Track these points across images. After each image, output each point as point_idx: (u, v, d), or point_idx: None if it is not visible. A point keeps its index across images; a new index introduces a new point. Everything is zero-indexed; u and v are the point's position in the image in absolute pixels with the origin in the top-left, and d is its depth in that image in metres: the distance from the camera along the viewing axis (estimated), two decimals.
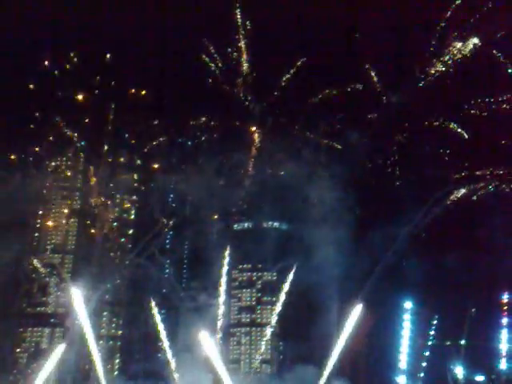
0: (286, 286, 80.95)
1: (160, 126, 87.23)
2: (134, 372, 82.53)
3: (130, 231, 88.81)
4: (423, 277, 76.65)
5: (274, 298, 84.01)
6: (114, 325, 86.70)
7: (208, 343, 73.21)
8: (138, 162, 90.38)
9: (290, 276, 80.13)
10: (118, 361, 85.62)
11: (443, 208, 79.33)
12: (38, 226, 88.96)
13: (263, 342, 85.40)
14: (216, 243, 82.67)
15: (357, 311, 71.84)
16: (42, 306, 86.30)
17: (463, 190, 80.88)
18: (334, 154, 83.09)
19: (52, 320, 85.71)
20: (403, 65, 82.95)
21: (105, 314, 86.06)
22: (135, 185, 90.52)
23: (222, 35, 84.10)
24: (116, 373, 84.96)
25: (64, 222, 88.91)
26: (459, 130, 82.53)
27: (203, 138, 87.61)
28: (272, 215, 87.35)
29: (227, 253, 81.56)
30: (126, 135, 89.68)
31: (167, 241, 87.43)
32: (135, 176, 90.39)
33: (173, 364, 78.81)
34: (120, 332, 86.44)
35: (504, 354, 79.14)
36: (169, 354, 79.12)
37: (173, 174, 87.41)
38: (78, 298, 75.49)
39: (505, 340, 79.32)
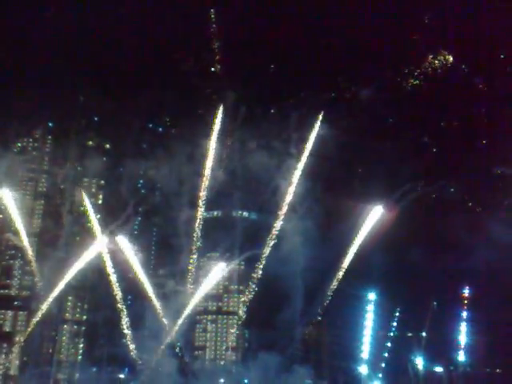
0: (253, 276, 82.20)
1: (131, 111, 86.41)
2: (98, 357, 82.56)
3: (98, 216, 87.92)
4: (387, 269, 78.52)
5: (241, 287, 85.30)
6: (78, 309, 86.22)
7: (126, 247, 76.67)
8: (107, 146, 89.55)
9: (258, 265, 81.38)
10: (81, 345, 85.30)
11: (406, 204, 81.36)
12: (2, 207, 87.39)
13: (229, 330, 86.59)
14: (184, 231, 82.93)
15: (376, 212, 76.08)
16: (5, 288, 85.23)
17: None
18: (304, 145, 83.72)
19: (15, 303, 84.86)
20: (376, 74, 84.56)
21: (69, 298, 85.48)
22: (104, 169, 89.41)
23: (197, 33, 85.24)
24: (80, 357, 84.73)
25: (30, 204, 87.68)
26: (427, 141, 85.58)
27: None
28: (241, 204, 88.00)
29: (195, 240, 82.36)
30: (96, 118, 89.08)
31: (135, 227, 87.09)
32: (104, 160, 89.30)
33: (137, 349, 79.42)
34: (85, 317, 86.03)
35: (463, 346, 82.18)
36: (133, 340, 79.62)
37: (143, 160, 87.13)
38: (7, 199, 77.07)
39: (464, 333, 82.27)
